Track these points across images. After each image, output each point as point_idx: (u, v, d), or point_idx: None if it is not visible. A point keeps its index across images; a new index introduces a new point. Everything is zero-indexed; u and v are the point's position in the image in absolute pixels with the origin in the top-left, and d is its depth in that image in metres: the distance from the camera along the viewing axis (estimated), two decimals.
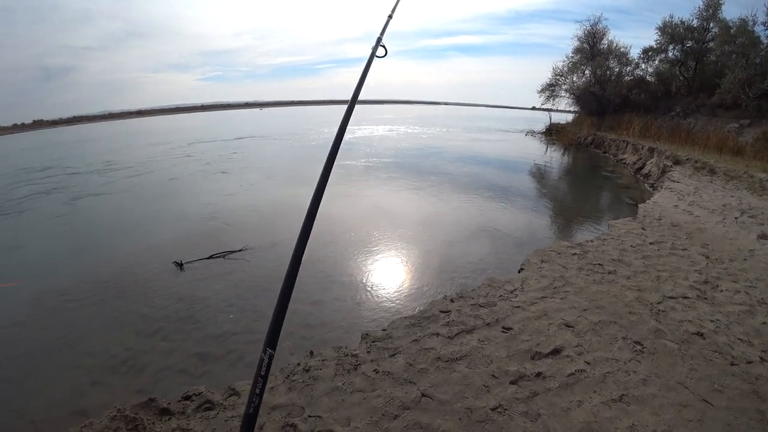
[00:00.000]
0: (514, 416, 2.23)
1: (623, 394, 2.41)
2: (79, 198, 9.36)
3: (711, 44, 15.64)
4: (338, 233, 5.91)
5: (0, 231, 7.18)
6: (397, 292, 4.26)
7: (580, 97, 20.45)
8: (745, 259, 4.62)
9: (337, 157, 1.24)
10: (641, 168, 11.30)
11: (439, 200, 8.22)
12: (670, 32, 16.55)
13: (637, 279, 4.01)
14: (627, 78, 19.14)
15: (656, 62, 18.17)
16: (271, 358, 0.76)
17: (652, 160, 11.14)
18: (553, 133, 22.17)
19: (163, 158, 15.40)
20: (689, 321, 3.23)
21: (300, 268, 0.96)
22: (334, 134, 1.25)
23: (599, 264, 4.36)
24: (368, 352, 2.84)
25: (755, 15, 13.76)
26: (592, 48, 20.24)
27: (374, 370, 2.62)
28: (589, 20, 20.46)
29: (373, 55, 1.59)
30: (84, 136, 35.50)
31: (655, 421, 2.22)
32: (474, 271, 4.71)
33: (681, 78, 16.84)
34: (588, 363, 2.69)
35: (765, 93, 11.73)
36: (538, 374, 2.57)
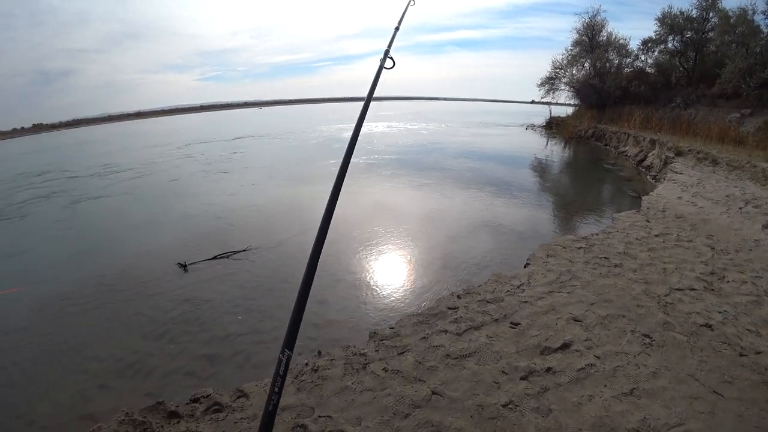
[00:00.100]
0: (525, 412, 2.22)
1: (634, 388, 2.40)
2: (80, 201, 9.35)
3: (711, 34, 15.54)
4: (342, 231, 5.89)
5: (2, 236, 7.17)
6: (402, 289, 4.25)
7: (579, 89, 20.35)
8: (751, 250, 4.60)
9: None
10: (643, 160, 11.26)
11: (443, 196, 8.20)
12: (670, 23, 16.44)
13: (644, 272, 3.99)
14: (627, 70, 19.04)
15: (656, 53, 18.10)
16: (289, 358, 0.80)
17: (653, 151, 11.10)
18: (553, 127, 22.10)
19: (163, 159, 15.38)
20: (697, 313, 3.21)
21: (304, 274, 0.95)
22: (346, 144, 1.25)
23: (605, 257, 4.34)
24: (377, 350, 2.83)
25: (755, 4, 13.68)
26: (592, 40, 20.12)
27: (383, 369, 2.60)
28: (587, 12, 20.36)
29: (381, 68, 1.62)
30: (84, 138, 35.47)
31: (667, 414, 2.21)
32: (479, 266, 4.69)
33: (681, 69, 16.74)
34: (597, 357, 2.68)
35: (766, 82, 11.64)
36: (548, 369, 2.55)
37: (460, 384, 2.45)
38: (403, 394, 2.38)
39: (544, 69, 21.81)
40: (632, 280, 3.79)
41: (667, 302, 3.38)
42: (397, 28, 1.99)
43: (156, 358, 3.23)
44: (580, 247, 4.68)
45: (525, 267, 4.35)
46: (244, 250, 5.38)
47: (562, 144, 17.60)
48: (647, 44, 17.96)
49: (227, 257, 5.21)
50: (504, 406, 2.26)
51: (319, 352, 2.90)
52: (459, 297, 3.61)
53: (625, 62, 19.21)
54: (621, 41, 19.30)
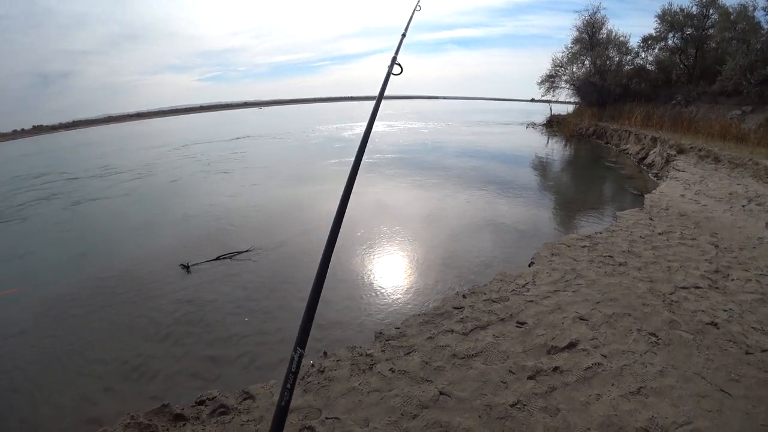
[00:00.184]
0: (533, 412, 2.21)
1: (641, 387, 2.39)
2: (81, 203, 9.33)
3: (711, 31, 15.50)
4: (346, 230, 5.86)
5: (4, 238, 7.15)
6: (407, 289, 4.24)
7: (580, 87, 20.34)
8: (755, 247, 4.59)
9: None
10: (644, 158, 11.24)
11: (446, 195, 8.20)
12: (670, 20, 16.41)
13: (648, 270, 3.98)
14: (627, 67, 19.01)
15: (656, 51, 18.06)
16: (301, 356, 0.84)
17: (655, 149, 11.08)
18: (554, 125, 22.08)
19: (163, 160, 15.36)
20: (702, 311, 3.20)
21: (317, 273, 1.00)
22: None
23: (609, 256, 4.33)
24: (383, 351, 2.82)
25: (755, 0, 13.65)
26: (592, 38, 20.10)
27: (390, 370, 2.59)
28: (587, 10, 20.36)
29: (389, 74, 1.62)
30: (84, 140, 35.44)
31: (675, 412, 2.20)
32: (484, 265, 4.68)
33: (681, 66, 16.72)
34: (604, 356, 2.67)
35: (767, 79, 11.63)
36: (556, 368, 2.54)
37: (468, 384, 2.44)
38: (410, 394, 2.37)
39: (544, 67, 21.83)
40: (637, 279, 3.78)
41: (672, 300, 3.37)
42: (403, 35, 2.00)
43: (160, 360, 3.22)
44: (584, 246, 4.67)
45: (529, 266, 4.34)
46: (246, 251, 5.37)
47: (563, 142, 17.59)
48: (647, 41, 17.93)
49: (230, 258, 5.20)
50: (512, 405, 2.25)
51: (325, 353, 2.89)
52: (464, 296, 3.60)
53: (625, 60, 19.21)
54: (621, 38, 19.32)
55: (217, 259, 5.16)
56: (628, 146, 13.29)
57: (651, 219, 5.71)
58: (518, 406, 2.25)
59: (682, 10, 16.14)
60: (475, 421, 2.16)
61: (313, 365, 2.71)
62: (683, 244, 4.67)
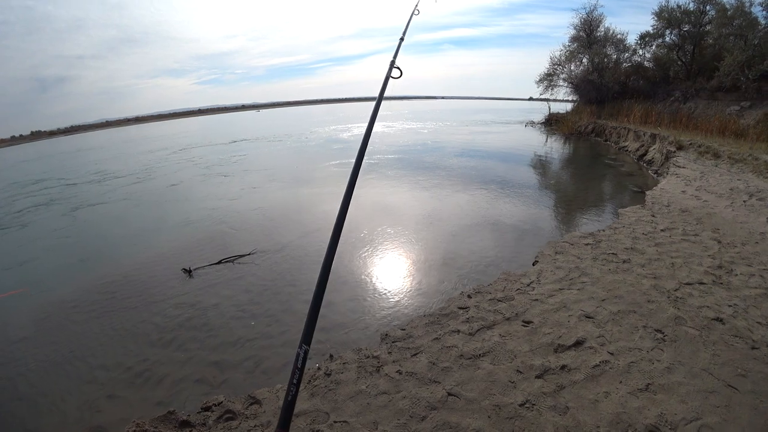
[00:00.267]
0: (542, 411, 2.20)
1: (649, 383, 2.39)
2: (80, 208, 9.30)
3: (708, 27, 15.53)
4: (348, 232, 5.88)
5: (3, 245, 7.12)
6: (411, 289, 4.22)
7: (578, 85, 20.36)
8: (757, 242, 4.59)
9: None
10: (644, 155, 11.25)
11: (447, 194, 8.19)
12: (667, 17, 16.45)
13: (652, 267, 3.97)
14: (625, 65, 19.07)
15: (653, 48, 18.11)
16: (306, 352, 0.86)
17: (654, 146, 11.09)
18: (552, 123, 22.10)
19: (162, 164, 15.33)
20: (707, 307, 3.20)
21: (321, 269, 1.03)
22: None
23: (613, 253, 4.33)
24: (389, 352, 2.80)
25: None
26: (589, 36, 20.14)
27: (397, 371, 2.58)
28: (584, 8, 20.42)
29: (388, 78, 1.64)
30: (83, 145, 35.36)
31: (684, 408, 2.19)
32: (487, 264, 4.67)
33: (679, 63, 16.75)
34: (611, 353, 2.66)
35: (765, 74, 11.66)
36: (563, 367, 2.54)
37: (476, 384, 2.43)
38: (418, 396, 2.36)
39: (542, 66, 21.89)
40: (641, 276, 3.78)
41: (677, 297, 3.37)
42: (401, 39, 2.03)
43: (165, 365, 3.19)
44: (587, 244, 4.66)
45: (534, 264, 4.33)
46: (249, 254, 5.36)
47: (562, 140, 17.59)
48: (645, 39, 17.97)
49: (232, 261, 5.19)
50: (521, 405, 2.24)
51: (331, 356, 2.87)
52: (469, 296, 3.59)
53: (623, 57, 19.26)
54: (618, 36, 19.39)
55: (220, 262, 5.14)
56: (627, 143, 13.31)
57: (653, 216, 5.71)
58: (527, 405, 2.25)
59: (679, 6, 16.21)
60: (485, 422, 2.15)
61: (319, 368, 2.70)
62: (686, 241, 4.67)
